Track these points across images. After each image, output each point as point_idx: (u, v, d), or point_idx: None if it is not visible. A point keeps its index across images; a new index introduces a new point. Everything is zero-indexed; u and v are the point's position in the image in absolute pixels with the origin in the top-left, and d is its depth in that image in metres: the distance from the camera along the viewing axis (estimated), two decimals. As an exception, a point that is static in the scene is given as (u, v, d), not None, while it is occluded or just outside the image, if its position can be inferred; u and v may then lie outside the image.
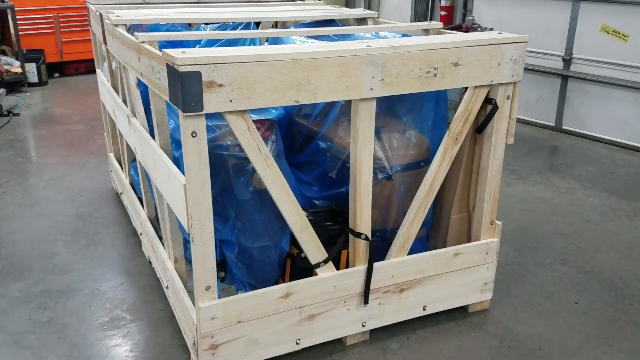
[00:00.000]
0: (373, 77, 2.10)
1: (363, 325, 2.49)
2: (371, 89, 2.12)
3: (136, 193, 3.33)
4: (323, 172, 2.52)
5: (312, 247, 2.27)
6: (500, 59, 2.33)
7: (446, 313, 2.71)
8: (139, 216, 3.15)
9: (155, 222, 2.96)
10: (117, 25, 2.71)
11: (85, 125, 5.63)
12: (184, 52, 1.87)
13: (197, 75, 1.83)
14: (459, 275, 2.63)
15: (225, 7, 3.50)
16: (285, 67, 1.94)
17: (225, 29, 3.08)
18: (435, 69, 2.20)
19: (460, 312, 2.75)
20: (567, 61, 5.30)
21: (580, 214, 3.87)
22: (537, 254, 3.32)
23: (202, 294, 2.12)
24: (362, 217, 2.31)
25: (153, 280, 2.98)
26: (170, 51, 1.88)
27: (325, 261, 2.31)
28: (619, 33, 4.86)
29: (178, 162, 2.29)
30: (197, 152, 1.94)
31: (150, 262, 3.13)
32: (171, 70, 1.87)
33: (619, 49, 4.95)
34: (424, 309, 2.62)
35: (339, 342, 2.51)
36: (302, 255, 2.30)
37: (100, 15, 3.03)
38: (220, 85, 1.87)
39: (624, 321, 2.74)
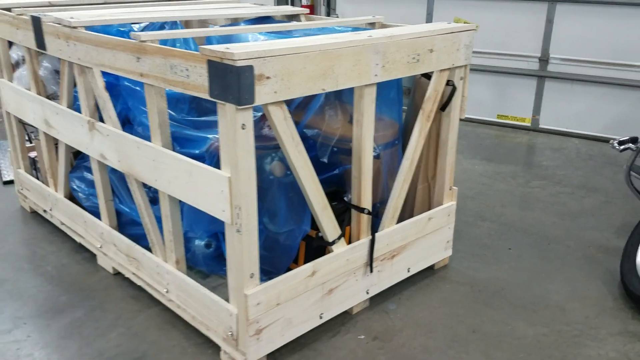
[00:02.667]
0: (377, 64, 2.34)
1: (367, 293, 2.73)
2: (375, 75, 2.35)
3: (79, 205, 3.16)
4: (313, 158, 2.68)
5: (330, 226, 2.45)
6: (458, 45, 2.70)
7: (419, 273, 3.05)
8: (96, 228, 3.01)
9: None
10: (76, 27, 2.58)
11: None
12: (228, 48, 1.94)
13: (251, 69, 1.91)
14: (431, 237, 2.98)
15: (163, 7, 3.42)
16: (316, 58, 2.10)
17: (154, 29, 3.07)
18: (418, 55, 2.51)
19: (429, 271, 3.11)
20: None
21: (474, 179, 4.48)
22: (459, 215, 3.82)
23: (247, 282, 2.20)
24: (364, 194, 2.54)
25: (131, 291, 2.88)
26: (218, 47, 1.93)
27: (339, 237, 2.50)
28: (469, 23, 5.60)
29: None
30: (245, 144, 2.01)
31: (116, 274, 3.01)
32: (220, 66, 1.92)
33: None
34: (408, 271, 2.93)
35: (346, 312, 2.71)
36: (320, 234, 2.47)
37: (36, 18, 2.82)
38: (268, 78, 1.97)
39: (551, 257, 3.32)
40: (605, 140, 5.34)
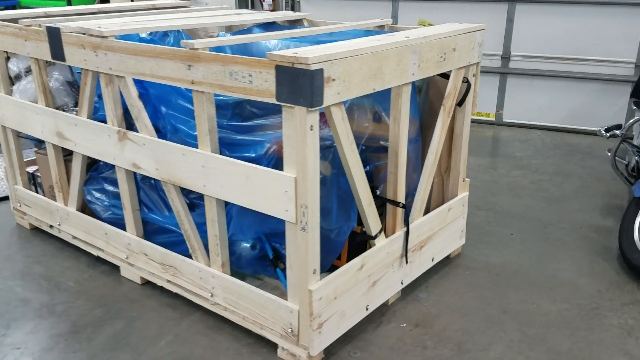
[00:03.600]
0: (414, 64, 2.47)
1: (402, 283, 2.85)
2: (412, 74, 2.48)
3: (97, 217, 3.11)
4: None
5: (374, 220, 2.55)
6: (474, 44, 2.88)
7: (438, 262, 3.20)
8: (121, 239, 2.98)
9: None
10: (106, 37, 2.57)
11: None
12: (297, 53, 2.01)
13: (321, 72, 2.00)
14: (450, 227, 3.14)
15: (174, 15, 3.40)
16: (369, 59, 2.21)
17: (158, 37, 3.09)
18: (444, 54, 2.66)
19: (445, 259, 3.27)
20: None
21: (459, 172, 4.69)
22: (456, 207, 4.00)
23: (311, 278, 2.27)
24: (399, 188, 2.67)
25: (165, 300, 2.88)
26: (287, 52, 2.01)
27: (380, 231, 2.61)
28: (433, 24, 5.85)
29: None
30: (313, 145, 2.09)
31: (144, 284, 2.99)
32: (290, 71, 1.99)
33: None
34: (432, 260, 3.08)
35: (383, 304, 2.82)
36: (363, 229, 2.57)
37: (54, 28, 2.77)
38: (333, 80, 2.06)
39: (551, 239, 3.56)
40: (565, 131, 5.72)
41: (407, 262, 2.81)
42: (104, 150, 2.83)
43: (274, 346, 2.51)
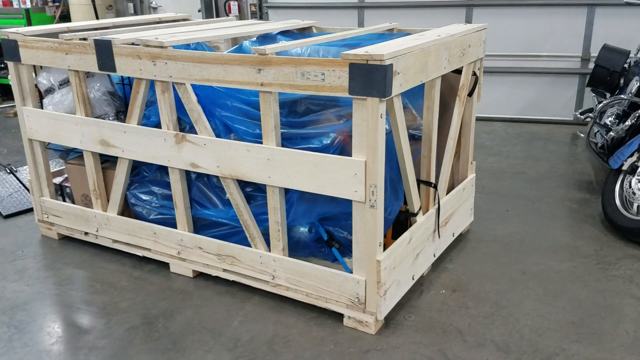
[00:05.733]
0: (446, 59, 2.84)
1: (434, 256, 3.20)
2: (444, 68, 2.85)
3: (138, 218, 3.29)
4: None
5: (415, 199, 2.89)
6: (481, 41, 3.28)
7: (455, 238, 3.58)
8: (173, 236, 3.17)
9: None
10: (166, 47, 2.78)
11: None
12: (368, 51, 2.33)
13: (392, 67, 2.32)
14: (463, 205, 3.53)
15: (209, 25, 3.61)
16: (419, 55, 2.55)
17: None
18: (464, 50, 3.05)
19: (459, 235, 3.65)
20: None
21: (441, 162, 5.12)
22: (451, 191, 4.41)
23: (377, 250, 2.58)
24: (431, 169, 3.02)
25: (220, 288, 3.09)
26: (358, 51, 2.32)
27: (420, 209, 2.95)
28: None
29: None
30: (382, 131, 2.41)
31: (196, 277, 3.20)
32: (364, 67, 2.30)
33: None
34: (453, 235, 3.45)
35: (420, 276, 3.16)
36: (407, 207, 2.91)
37: (105, 41, 2.94)
38: (398, 73, 2.39)
39: (542, 212, 4.02)
40: (523, 121, 6.30)
41: (439, 236, 3.16)
42: (158, 154, 3.02)
43: (338, 317, 2.79)
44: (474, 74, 3.34)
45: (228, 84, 2.66)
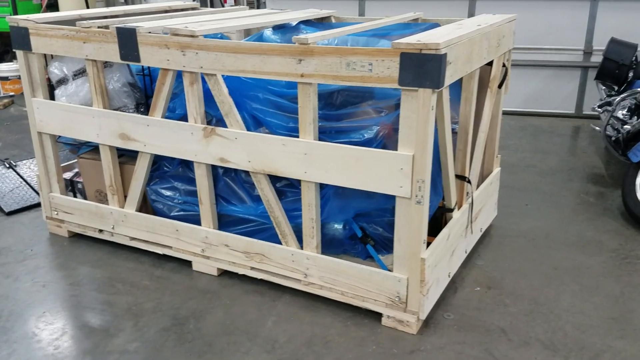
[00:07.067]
0: (486, 49, 2.76)
1: (465, 252, 3.14)
2: (484, 58, 2.77)
3: (159, 215, 3.15)
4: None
5: (453, 194, 2.81)
6: (512, 32, 3.21)
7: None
8: (197, 233, 3.04)
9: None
10: (197, 37, 2.64)
11: None
12: (420, 40, 2.23)
13: (446, 56, 2.23)
14: (490, 200, 3.46)
15: (231, 14, 3.46)
16: (467, 45, 2.46)
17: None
18: (499, 40, 2.97)
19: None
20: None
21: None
22: (466, 185, 4.35)
23: (422, 248, 2.49)
24: (466, 164, 2.94)
25: (248, 287, 2.98)
26: (410, 40, 2.22)
27: (456, 204, 2.88)
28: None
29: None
30: (432, 124, 2.32)
31: (220, 275, 3.08)
32: (416, 57, 2.20)
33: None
34: (480, 231, 3.39)
35: (452, 271, 3.09)
36: (444, 203, 2.83)
37: (129, 29, 2.79)
38: (450, 63, 2.30)
39: (561, 206, 3.98)
40: (525, 114, 6.27)
41: (472, 232, 3.09)
42: (184, 148, 2.89)
43: (376, 316, 2.70)
44: (504, 65, 3.27)
45: (265, 75, 2.54)
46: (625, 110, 4.32)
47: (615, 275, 3.10)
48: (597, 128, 4.40)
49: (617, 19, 5.81)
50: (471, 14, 6.15)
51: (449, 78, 2.33)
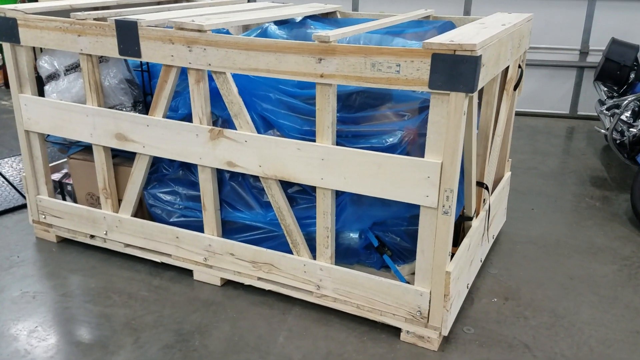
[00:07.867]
0: (510, 50, 2.62)
1: (481, 261, 3.01)
2: (508, 59, 2.63)
3: (157, 221, 2.96)
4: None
5: (474, 202, 2.68)
6: (529, 32, 3.09)
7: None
8: (199, 241, 2.85)
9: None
10: (206, 31, 2.45)
11: None
12: (453, 40, 2.08)
13: (480, 58, 2.08)
14: (501, 206, 3.34)
15: (240, 7, 3.26)
16: (496, 46, 2.32)
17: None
18: (520, 41, 2.84)
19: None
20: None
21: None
22: (469, 188, 4.24)
23: (447, 260, 2.35)
24: (485, 170, 2.81)
25: (255, 298, 2.81)
26: (443, 40, 2.07)
27: (474, 212, 2.74)
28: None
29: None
30: (463, 130, 2.17)
31: (223, 285, 2.90)
32: (449, 58, 2.05)
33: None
34: (492, 237, 3.26)
35: (467, 281, 2.96)
36: (463, 211, 2.69)
37: (129, 22, 2.59)
38: (483, 65, 2.15)
39: (567, 210, 3.89)
40: (521, 114, 6.18)
41: (488, 240, 2.97)
42: (187, 151, 2.69)
43: (394, 331, 2.56)
44: (519, 66, 3.15)
45: (280, 75, 2.37)
46: (630, 112, 4.25)
47: (632, 285, 3.01)
48: (602, 130, 4.32)
49: (614, 18, 5.75)
50: (466, 11, 6.03)
51: (482, 81, 2.19)
